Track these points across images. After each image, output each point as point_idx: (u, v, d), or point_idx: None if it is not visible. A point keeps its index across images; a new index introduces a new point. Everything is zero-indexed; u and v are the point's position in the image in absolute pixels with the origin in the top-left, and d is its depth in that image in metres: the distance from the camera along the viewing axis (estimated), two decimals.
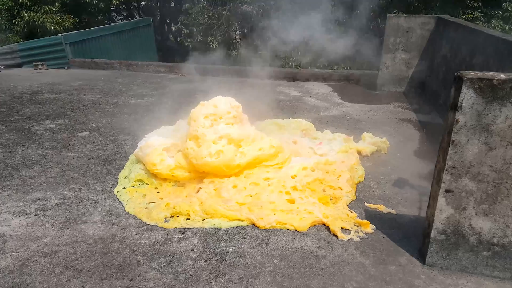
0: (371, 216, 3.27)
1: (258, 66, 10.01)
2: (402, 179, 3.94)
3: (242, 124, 3.62)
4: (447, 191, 2.49)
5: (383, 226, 3.13)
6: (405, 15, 7.07)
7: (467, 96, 2.26)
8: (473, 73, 2.30)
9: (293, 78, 8.07)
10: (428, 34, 6.53)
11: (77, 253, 2.77)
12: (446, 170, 2.44)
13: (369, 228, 3.09)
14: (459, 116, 2.31)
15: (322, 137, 4.43)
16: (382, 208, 3.39)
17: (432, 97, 6.41)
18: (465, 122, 2.31)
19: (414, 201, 3.52)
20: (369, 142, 4.53)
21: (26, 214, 3.25)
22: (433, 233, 2.59)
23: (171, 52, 14.66)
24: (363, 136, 4.67)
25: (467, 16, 8.73)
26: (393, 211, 3.34)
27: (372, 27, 9.63)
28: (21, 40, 11.40)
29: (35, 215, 3.23)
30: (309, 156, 3.98)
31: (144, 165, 3.69)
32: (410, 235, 3.00)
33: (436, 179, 2.57)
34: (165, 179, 3.58)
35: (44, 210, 3.30)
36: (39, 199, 3.47)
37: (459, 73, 2.32)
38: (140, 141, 3.87)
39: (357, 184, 3.78)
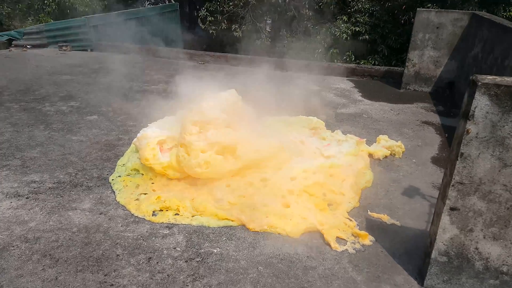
0: (372, 226, 3.04)
1: (279, 57, 9.77)
2: (413, 187, 3.66)
3: (239, 123, 3.41)
4: (452, 209, 2.23)
5: (383, 238, 2.90)
6: (436, 9, 6.61)
7: (481, 103, 1.98)
8: (490, 77, 2.02)
9: (315, 71, 7.76)
10: (461, 31, 6.08)
11: (59, 241, 2.70)
12: (453, 185, 2.18)
13: (368, 240, 2.86)
14: (471, 126, 2.04)
15: (331, 138, 4.18)
16: (385, 218, 3.15)
17: (459, 100, 5.98)
18: (477, 134, 2.04)
19: (423, 213, 3.24)
20: (383, 145, 4.25)
21: (19, 196, 3.22)
22: (434, 254, 2.35)
23: (197, 39, 14.57)
24: (378, 139, 4.38)
25: (508, 13, 8.10)
26: (397, 223, 3.09)
27: (403, 21, 9.13)
28: (52, 20, 11.61)
29: (27, 198, 3.20)
30: (314, 157, 3.75)
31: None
32: (412, 252, 2.75)
33: (442, 194, 2.31)
34: None
35: (36, 193, 3.26)
36: (35, 182, 3.44)
37: (473, 77, 2.04)
38: (140, 131, 3.77)
39: (363, 189, 3.54)
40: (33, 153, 3.97)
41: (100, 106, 5.40)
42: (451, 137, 4.89)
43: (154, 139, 3.44)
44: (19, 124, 4.66)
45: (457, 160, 2.12)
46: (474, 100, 1.98)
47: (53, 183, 3.43)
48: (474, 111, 2.00)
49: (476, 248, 2.27)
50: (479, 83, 1.96)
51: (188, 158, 3.16)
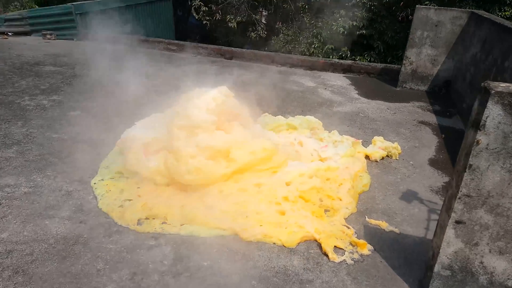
0: (371, 233, 2.90)
1: (275, 51, 9.55)
2: (411, 191, 3.52)
3: (232, 123, 3.21)
4: (458, 222, 2.09)
5: (382, 247, 2.76)
6: (435, 7, 6.44)
7: (493, 113, 1.83)
8: (504, 85, 1.86)
9: (310, 67, 7.58)
10: (459, 30, 5.93)
11: (34, 254, 2.49)
12: (459, 198, 2.03)
13: (366, 249, 2.71)
14: (481, 137, 1.89)
15: (328, 139, 4.01)
16: (384, 225, 3.01)
17: (456, 100, 5.87)
18: (487, 145, 1.89)
19: (422, 219, 3.11)
20: (380, 146, 4.10)
21: None
22: (437, 267, 2.21)
23: (190, 30, 14.20)
24: (373, 140, 4.24)
25: (503, 13, 7.98)
26: (396, 230, 2.95)
27: (401, 18, 8.96)
28: (36, 6, 11.17)
29: (0, 205, 2.97)
30: (312, 159, 3.58)
31: None
32: (412, 261, 2.62)
33: (446, 206, 2.16)
34: None
35: (10, 199, 3.03)
36: (9, 186, 3.20)
37: (486, 84, 1.89)
38: (124, 132, 3.54)
39: (360, 194, 3.39)
40: (9, 152, 3.71)
41: (84, 101, 5.14)
42: (448, 137, 4.78)
43: (138, 141, 3.22)
44: None
45: (465, 172, 1.97)
46: (486, 109, 1.82)
47: (30, 187, 3.20)
48: (485, 121, 1.85)
49: (481, 262, 2.14)
50: (492, 91, 1.80)
51: (177, 165, 2.96)
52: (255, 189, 3.04)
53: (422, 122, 5.23)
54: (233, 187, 3.05)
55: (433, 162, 4.12)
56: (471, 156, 1.94)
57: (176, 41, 8.71)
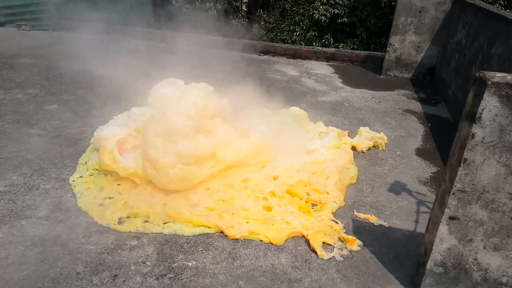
0: (360, 228, 2.84)
1: (257, 39, 9.37)
2: (399, 183, 3.49)
3: (214, 123, 3.08)
4: (451, 218, 2.03)
5: (372, 242, 2.70)
6: None
7: (490, 105, 1.76)
8: (500, 75, 1.79)
9: (293, 55, 7.47)
10: (443, 16, 5.89)
11: (10, 257, 2.35)
12: (453, 193, 1.97)
13: (355, 245, 2.65)
14: (477, 130, 1.82)
15: (313, 130, 3.93)
16: (373, 219, 2.95)
17: (441, 87, 5.86)
18: (483, 138, 1.82)
19: (411, 212, 3.07)
20: (366, 137, 4.05)
21: None
22: (429, 264, 2.16)
23: (170, 18, 13.85)
24: (359, 131, 4.18)
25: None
26: (385, 224, 2.91)
27: (383, 4, 8.87)
28: None
29: None
30: (300, 153, 3.49)
31: None
32: (402, 257, 2.58)
33: (439, 201, 2.10)
34: None
35: None
36: None
37: (481, 74, 1.81)
38: (97, 129, 3.36)
39: (347, 186, 3.33)
40: None
41: (62, 94, 4.92)
42: (434, 126, 4.76)
43: (112, 139, 3.06)
44: None
45: (459, 166, 1.90)
46: (482, 101, 1.75)
47: (5, 186, 3.03)
48: (481, 113, 1.78)
49: (475, 259, 2.10)
50: (489, 82, 1.72)
51: (158, 175, 2.81)
52: (242, 185, 2.94)
53: (407, 111, 5.20)
54: (220, 183, 2.94)
55: (420, 152, 4.09)
56: (466, 150, 1.87)
57: (155, 30, 8.46)
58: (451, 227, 2.05)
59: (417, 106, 5.40)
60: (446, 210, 2.02)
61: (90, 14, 9.37)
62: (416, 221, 2.97)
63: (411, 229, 2.89)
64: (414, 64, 6.36)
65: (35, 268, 2.28)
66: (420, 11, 5.97)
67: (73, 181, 3.11)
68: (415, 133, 4.55)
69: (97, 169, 3.22)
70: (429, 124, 4.80)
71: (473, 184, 1.93)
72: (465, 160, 1.88)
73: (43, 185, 3.07)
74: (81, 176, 3.16)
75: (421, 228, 2.85)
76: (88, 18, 9.09)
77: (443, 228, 2.07)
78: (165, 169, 2.76)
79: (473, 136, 1.82)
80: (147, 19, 11.75)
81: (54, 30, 8.35)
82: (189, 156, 2.80)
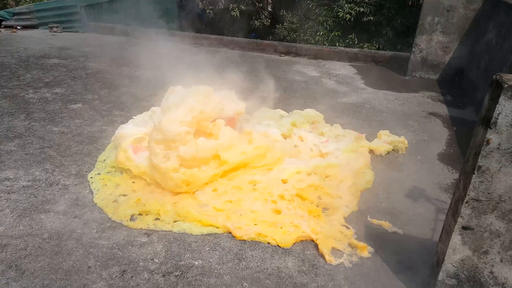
0: (372, 234, 2.76)
1: (280, 39, 9.32)
2: (418, 189, 3.37)
3: (219, 124, 3.10)
4: (464, 228, 1.94)
5: (384, 249, 2.62)
6: None
7: (506, 110, 1.67)
8: None
9: (315, 56, 7.39)
10: (473, 15, 5.66)
11: (27, 249, 2.44)
12: (467, 202, 1.89)
13: (366, 251, 2.58)
14: (492, 136, 1.73)
15: (330, 133, 3.86)
16: (387, 225, 2.87)
17: (469, 89, 5.63)
18: (499, 144, 1.74)
19: (428, 219, 2.96)
20: (385, 140, 3.94)
21: None
22: (441, 275, 2.08)
23: (194, 20, 14.02)
24: (379, 134, 4.07)
25: None
26: (400, 231, 2.81)
27: (411, 2, 8.64)
28: (44, 0, 11.13)
29: None
30: (311, 156, 3.45)
31: None
32: (415, 266, 2.49)
33: (453, 210, 2.02)
34: None
35: (9, 193, 2.99)
36: (8, 179, 3.16)
37: (497, 77, 1.72)
38: (118, 128, 3.46)
39: (362, 191, 3.25)
40: (10, 146, 3.68)
41: (86, 94, 5.08)
42: (459, 130, 4.58)
43: (129, 138, 3.14)
44: None
45: (473, 173, 1.82)
46: (498, 105, 1.67)
47: (28, 181, 3.15)
48: (497, 118, 1.69)
49: (491, 272, 1.99)
50: (505, 85, 1.64)
51: (164, 180, 2.87)
52: (249, 187, 2.93)
53: (432, 114, 5.03)
54: (228, 185, 2.94)
55: (443, 157, 3.94)
56: (480, 156, 1.78)
57: (178, 32, 8.59)
58: (465, 237, 1.96)
59: (443, 109, 5.21)
60: (459, 220, 1.93)
61: (117, 17, 9.66)
62: (433, 229, 2.86)
63: (427, 237, 2.78)
64: (441, 65, 6.14)
65: (49, 260, 2.36)
66: (448, 10, 5.76)
67: (91, 178, 3.20)
68: (439, 137, 4.39)
69: (114, 167, 3.30)
70: (454, 128, 4.62)
71: (488, 193, 1.84)
72: (480, 167, 1.79)
73: (63, 181, 3.18)
74: (99, 173, 3.25)
75: (438, 237, 2.73)
76: (115, 20, 9.37)
77: (456, 238, 1.98)
78: (168, 174, 2.82)
79: (488, 142, 1.74)
80: (172, 20, 11.96)
81: (83, 32, 8.63)
82: (190, 159, 2.84)
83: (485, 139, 1.74)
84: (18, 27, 8.69)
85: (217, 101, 3.08)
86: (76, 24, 8.60)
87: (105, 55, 6.94)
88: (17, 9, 8.92)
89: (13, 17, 8.75)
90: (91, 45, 7.61)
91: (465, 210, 1.90)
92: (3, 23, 8.68)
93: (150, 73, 6.09)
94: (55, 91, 5.12)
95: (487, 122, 1.73)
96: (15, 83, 5.32)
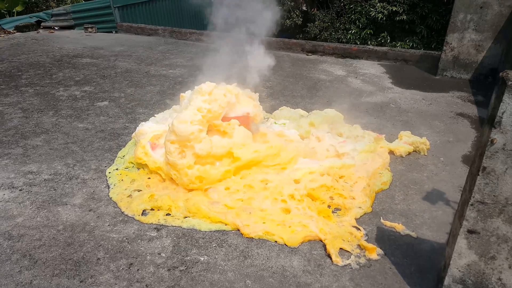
0: (383, 236, 2.70)
1: (311, 38, 9.23)
2: (437, 191, 3.25)
3: (233, 124, 3.14)
4: (470, 231, 1.86)
5: (394, 252, 2.56)
6: None
7: (511, 108, 1.59)
8: None
9: (342, 54, 7.27)
10: (508, 11, 5.36)
11: (42, 239, 2.58)
12: (472, 205, 1.81)
13: (375, 253, 2.52)
14: (497, 135, 1.65)
15: (349, 133, 3.79)
16: (400, 227, 2.79)
17: None
18: (504, 145, 1.65)
19: (444, 223, 2.85)
20: (406, 141, 3.82)
21: (13, 187, 3.14)
22: (447, 280, 2.00)
23: (224, 20, 14.15)
24: (399, 135, 3.95)
25: None
26: (413, 234, 2.73)
27: (446, 0, 8.32)
28: (83, 1, 11.64)
29: (20, 190, 3.10)
30: (327, 156, 3.40)
31: None
32: (425, 270, 2.40)
33: (459, 212, 1.94)
34: None
35: (30, 186, 3.17)
36: (32, 172, 3.35)
37: (504, 74, 1.64)
38: (139, 125, 3.58)
39: (378, 192, 3.18)
40: (37, 141, 3.89)
41: (113, 92, 5.27)
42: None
43: (148, 134, 3.24)
44: (30, 110, 4.62)
45: (478, 175, 1.74)
46: (502, 103, 1.59)
47: (49, 175, 3.32)
48: (501, 117, 1.61)
49: (499, 279, 1.90)
50: (509, 83, 1.55)
51: (179, 177, 2.95)
52: (261, 186, 2.94)
53: (460, 114, 4.82)
54: (240, 183, 2.97)
55: (467, 159, 3.77)
56: (485, 157, 1.70)
57: (207, 31, 8.70)
58: (470, 241, 1.88)
59: (473, 110, 4.98)
60: (465, 223, 1.85)
61: (151, 17, 9.93)
62: (449, 233, 2.75)
63: (441, 241, 2.68)
64: (473, 64, 5.87)
65: (62, 251, 2.48)
66: (481, 7, 5.49)
67: (109, 172, 3.33)
68: (465, 138, 4.20)
69: (132, 163, 3.41)
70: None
71: (494, 196, 1.75)
72: (484, 168, 1.71)
73: (83, 175, 3.33)
74: (117, 169, 3.37)
75: None
76: (147, 21, 9.64)
77: (461, 242, 1.90)
78: (184, 170, 2.89)
79: (492, 142, 1.66)
80: (207, 20, 12.15)
81: (116, 32, 8.95)
82: (205, 156, 2.89)
83: (490, 139, 1.66)
84: (56, 28, 9.14)
85: (221, 96, 3.12)
86: (109, 24, 8.93)
87: (134, 54, 7.17)
88: (55, 10, 9.38)
89: (51, 18, 9.21)
90: (122, 44, 7.88)
91: (470, 213, 1.83)
92: (42, 24, 9.14)
93: (176, 72, 6.23)
94: (84, 89, 5.35)
95: (492, 121, 1.65)
96: (47, 81, 5.61)
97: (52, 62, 6.54)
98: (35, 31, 8.85)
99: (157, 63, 6.69)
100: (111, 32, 8.96)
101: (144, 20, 9.58)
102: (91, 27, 8.85)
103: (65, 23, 9.21)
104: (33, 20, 9.12)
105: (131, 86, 5.52)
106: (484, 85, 5.81)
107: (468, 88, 5.71)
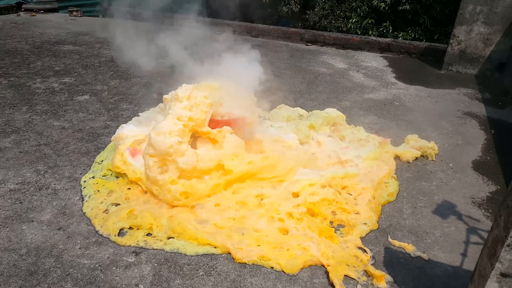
0: (392, 259, 2.40)
1: (310, 27, 8.80)
2: (448, 203, 2.96)
3: (224, 132, 2.78)
4: (504, 275, 1.56)
5: (404, 279, 2.26)
6: None
7: None
8: None
9: (344, 45, 6.90)
10: None
11: (0, 267, 2.23)
12: (508, 246, 1.49)
13: (384, 281, 2.22)
14: None
15: (352, 136, 3.46)
16: (410, 248, 2.49)
17: (511, 86, 5.04)
18: None
19: (458, 242, 2.56)
20: (413, 146, 3.51)
21: None
22: None
23: (221, 5, 13.62)
24: (406, 139, 3.64)
25: None
26: (425, 256, 2.43)
27: None
28: None
29: None
30: (329, 163, 3.08)
31: None
32: None
33: (489, 251, 1.63)
34: None
35: None
36: None
37: None
38: (118, 128, 3.21)
39: (384, 205, 2.87)
40: (5, 142, 3.50)
41: (95, 84, 4.87)
42: (498, 133, 4.07)
43: (129, 139, 2.88)
44: (1, 105, 4.20)
45: None
46: None
47: (16, 184, 2.95)
48: None
49: None
50: None
51: (162, 193, 2.60)
52: (255, 202, 2.60)
53: (468, 114, 4.52)
54: (232, 199, 2.62)
55: (478, 165, 3.48)
56: None
57: (201, 17, 8.24)
58: (503, 285, 1.58)
59: (480, 109, 4.68)
60: (497, 265, 1.55)
61: (140, 1, 9.40)
62: (464, 255, 2.46)
63: (455, 264, 2.39)
64: (481, 59, 5.55)
65: (22, 282, 2.13)
66: None
67: (85, 181, 2.97)
68: (474, 141, 3.91)
69: (110, 170, 3.06)
70: (492, 131, 4.11)
71: None
72: None
73: (54, 184, 2.96)
74: (93, 177, 3.01)
75: (469, 265, 2.36)
76: (137, 4, 9.11)
77: (492, 285, 1.60)
78: (166, 186, 2.53)
79: None
80: (200, 5, 11.61)
81: (103, 16, 8.44)
82: (191, 170, 2.53)
83: None
84: (38, 11, 8.60)
85: (202, 99, 2.76)
86: (96, 8, 8.42)
87: (122, 42, 6.69)
88: None
89: (33, 0, 8.67)
90: (109, 30, 7.34)
91: (505, 255, 1.52)
92: (23, 6, 8.60)
93: (165, 62, 5.80)
94: (64, 80, 4.94)
95: None
96: (23, 71, 5.18)
97: (31, 49, 6.08)
98: (15, 14, 8.31)
99: (145, 52, 6.18)
100: (98, 16, 8.45)
101: (134, 3, 9.05)
102: (76, 11, 8.34)
103: (48, 6, 8.69)
104: (13, 1, 8.56)
105: (115, 77, 5.12)
106: (491, 82, 5.50)
107: (475, 85, 5.40)
